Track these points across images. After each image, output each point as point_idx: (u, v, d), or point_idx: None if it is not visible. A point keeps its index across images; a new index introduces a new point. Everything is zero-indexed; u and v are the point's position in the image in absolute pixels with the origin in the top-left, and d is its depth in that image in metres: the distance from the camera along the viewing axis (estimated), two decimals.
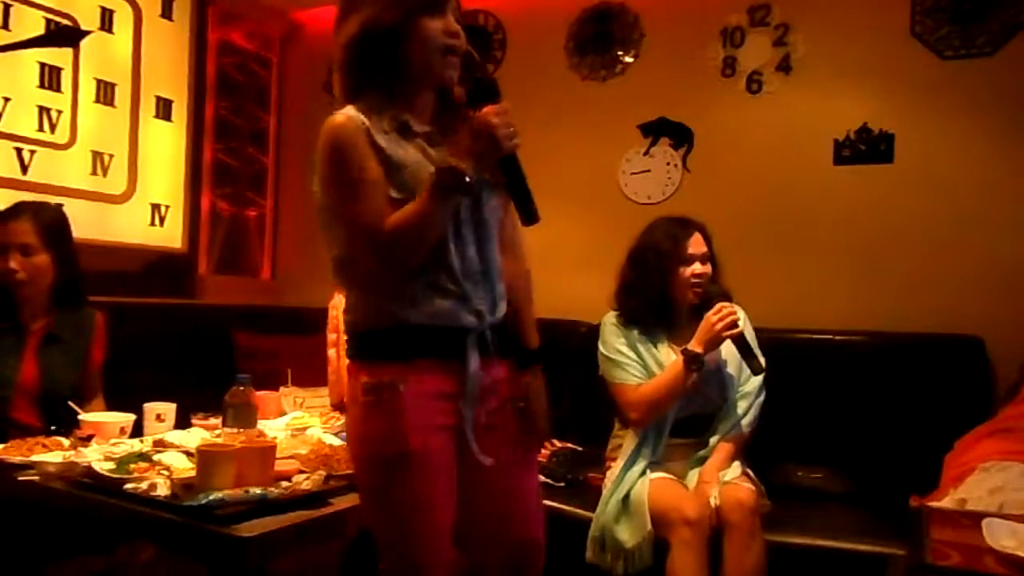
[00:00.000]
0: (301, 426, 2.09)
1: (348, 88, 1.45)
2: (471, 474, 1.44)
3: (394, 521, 1.40)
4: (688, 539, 1.96)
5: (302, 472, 1.62)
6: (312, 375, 2.45)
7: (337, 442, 1.89)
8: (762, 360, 2.19)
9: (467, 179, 1.31)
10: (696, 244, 2.23)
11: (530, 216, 1.40)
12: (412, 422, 1.37)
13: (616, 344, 2.25)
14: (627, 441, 2.22)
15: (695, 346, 2.12)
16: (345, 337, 1.52)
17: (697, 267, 2.21)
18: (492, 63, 3.48)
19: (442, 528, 1.40)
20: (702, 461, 2.19)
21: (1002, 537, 1.27)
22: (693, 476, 2.18)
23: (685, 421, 2.22)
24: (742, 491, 2.04)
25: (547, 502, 2.32)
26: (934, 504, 1.78)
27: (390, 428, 1.38)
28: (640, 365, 2.21)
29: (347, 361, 1.49)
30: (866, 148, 2.85)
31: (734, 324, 2.11)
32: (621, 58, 3.27)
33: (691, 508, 1.99)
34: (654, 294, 2.23)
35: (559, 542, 2.14)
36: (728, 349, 2.19)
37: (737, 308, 2.19)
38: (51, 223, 2.19)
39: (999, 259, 2.64)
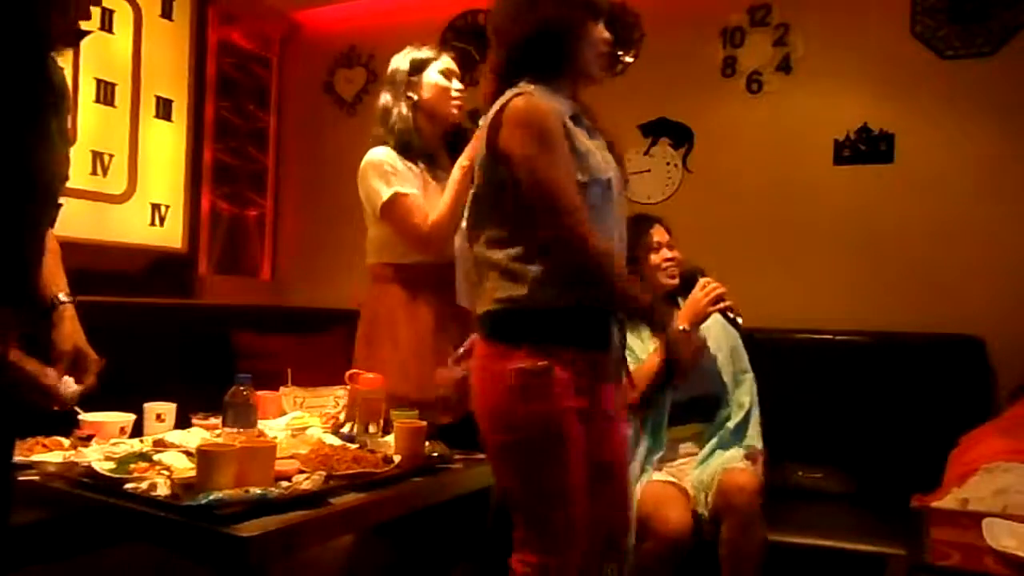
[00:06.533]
0: (301, 426, 2.08)
1: (511, 71, 1.57)
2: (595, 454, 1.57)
3: (551, 501, 1.49)
4: (660, 552, 1.97)
5: (302, 472, 1.62)
6: (312, 375, 2.43)
7: (337, 442, 1.89)
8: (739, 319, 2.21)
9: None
10: (659, 233, 2.30)
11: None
12: (564, 405, 1.47)
13: None
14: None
15: (682, 322, 2.11)
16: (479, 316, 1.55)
17: (666, 252, 2.28)
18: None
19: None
20: (704, 460, 2.19)
21: (1002, 537, 1.27)
22: (692, 477, 2.17)
23: (683, 408, 2.22)
24: (744, 475, 2.03)
25: None
26: (936, 504, 1.77)
27: (546, 410, 1.46)
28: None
29: (481, 340, 1.54)
30: (866, 148, 2.85)
31: (720, 299, 2.11)
32: (621, 58, 3.26)
33: (673, 517, 2.00)
34: None
35: None
36: (717, 341, 2.24)
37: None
38: None
39: (999, 259, 2.64)
